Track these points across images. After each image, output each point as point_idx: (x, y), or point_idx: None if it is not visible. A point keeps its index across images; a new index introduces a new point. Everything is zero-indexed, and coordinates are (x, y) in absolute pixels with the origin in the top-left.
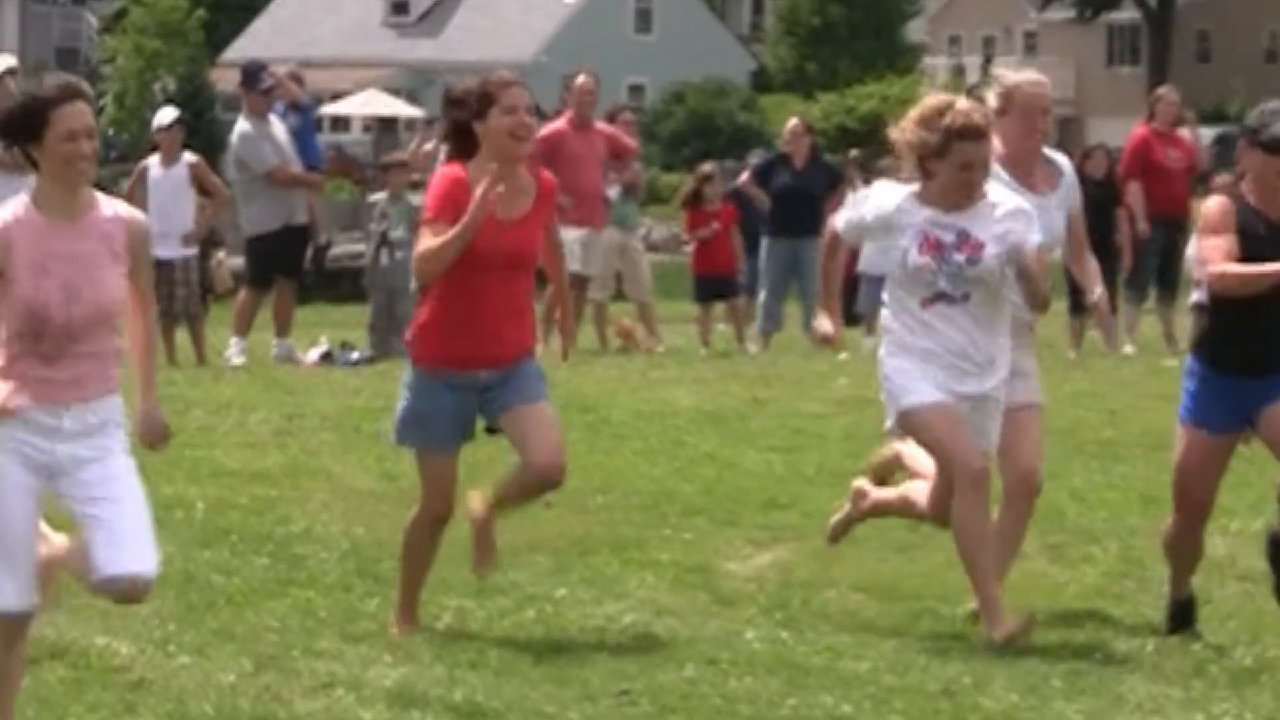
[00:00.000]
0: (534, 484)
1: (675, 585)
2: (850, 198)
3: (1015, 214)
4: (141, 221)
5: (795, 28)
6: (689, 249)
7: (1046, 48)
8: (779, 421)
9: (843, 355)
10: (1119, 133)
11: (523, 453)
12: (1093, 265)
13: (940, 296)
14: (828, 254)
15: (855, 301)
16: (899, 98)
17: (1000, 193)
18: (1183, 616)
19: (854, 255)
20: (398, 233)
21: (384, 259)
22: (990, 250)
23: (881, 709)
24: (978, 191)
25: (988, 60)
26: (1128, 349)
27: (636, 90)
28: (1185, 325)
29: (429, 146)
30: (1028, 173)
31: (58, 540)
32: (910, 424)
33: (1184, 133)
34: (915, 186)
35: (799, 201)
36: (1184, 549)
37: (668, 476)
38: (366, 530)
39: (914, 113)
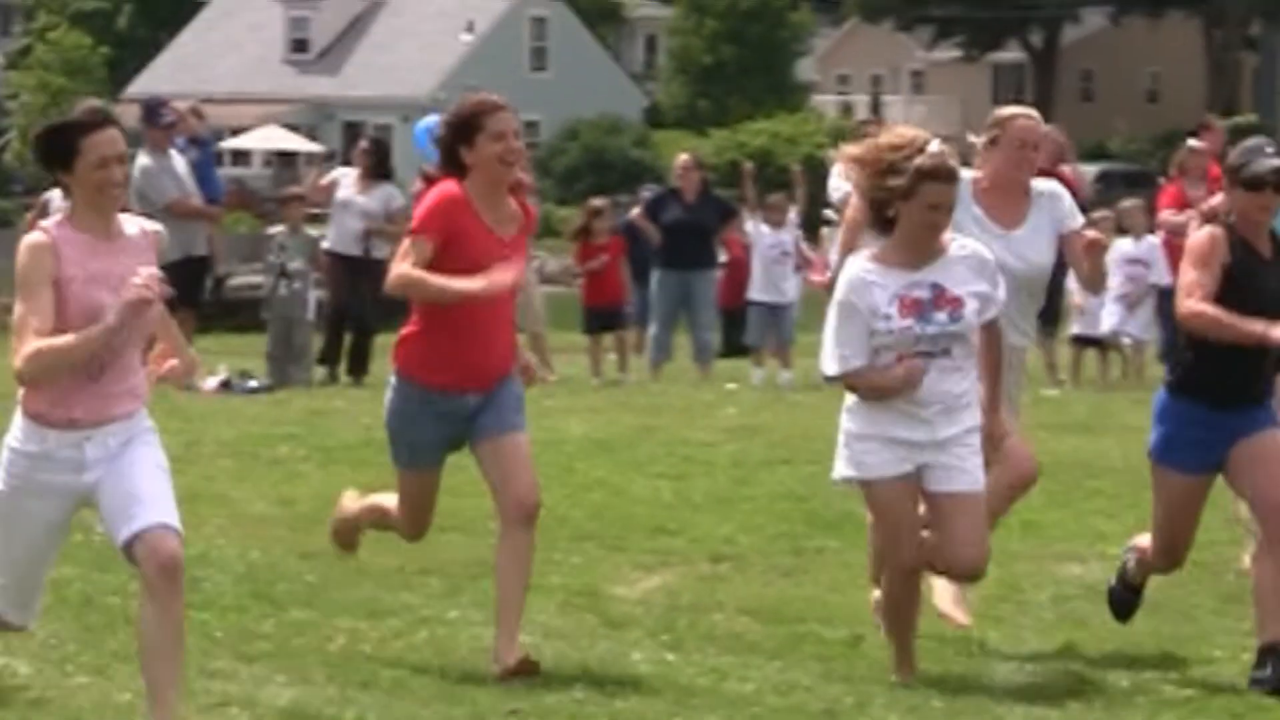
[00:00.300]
0: (511, 519)
1: (564, 608)
2: (748, 223)
3: (982, 268)
4: (162, 234)
5: (688, 66)
6: (580, 281)
7: (933, 86)
8: (668, 449)
9: (731, 385)
10: None
11: (496, 487)
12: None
13: (918, 355)
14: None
15: (744, 331)
16: (788, 134)
17: (961, 243)
18: (1132, 592)
19: (744, 283)
20: (295, 264)
21: (282, 290)
22: (970, 306)
23: None
24: (940, 235)
25: (875, 98)
26: None
27: (532, 126)
28: (1065, 355)
29: (325, 181)
30: (1005, 206)
31: None
32: (866, 493)
33: (1066, 169)
34: (872, 250)
35: (689, 235)
36: (1155, 569)
37: (558, 503)
38: (262, 554)
39: (873, 154)
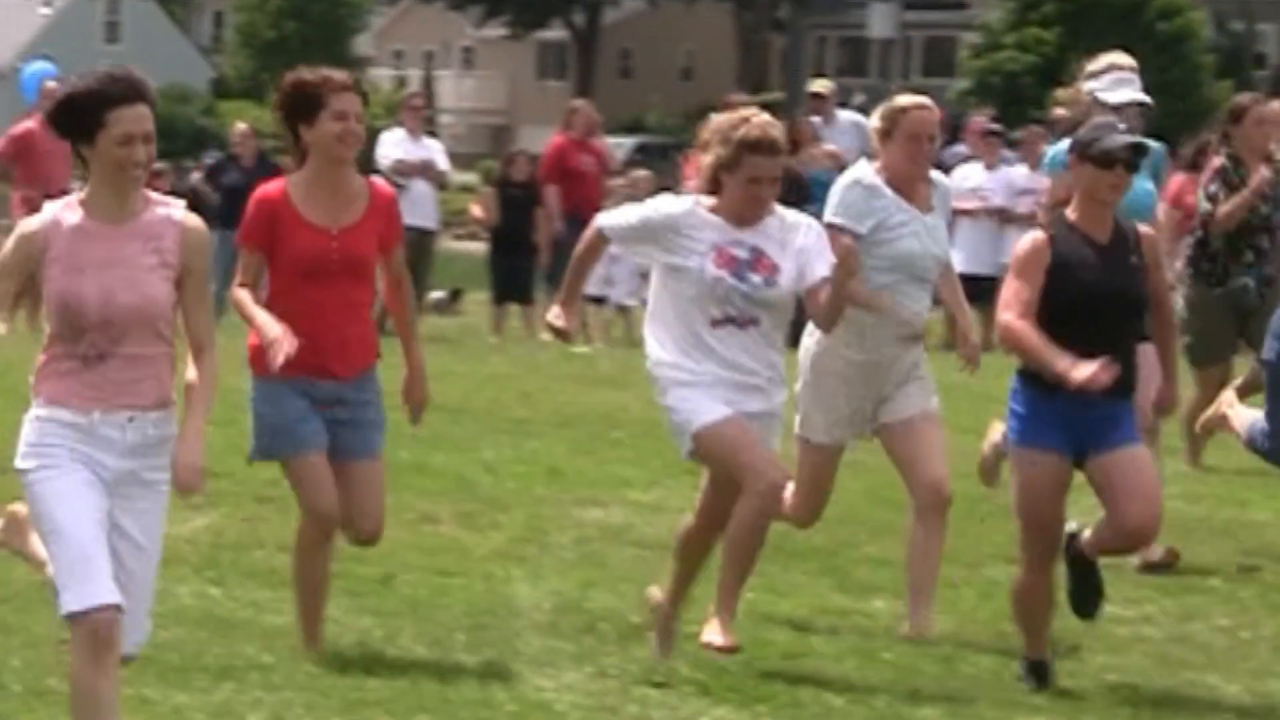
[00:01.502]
0: (355, 540)
1: None
2: None
3: (806, 231)
4: (196, 226)
5: (252, 40)
6: None
7: (483, 62)
8: (222, 397)
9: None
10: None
11: (348, 509)
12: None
13: (729, 320)
14: (587, 250)
15: None
16: None
17: (794, 216)
18: (1040, 675)
19: None
20: None
21: None
22: (786, 273)
23: (298, 659)
24: (766, 208)
25: (428, 73)
26: (545, 336)
27: None
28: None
29: None
30: (914, 195)
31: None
32: (703, 444)
33: (596, 142)
34: (701, 198)
35: (246, 198)
36: (1037, 600)
37: None
38: None
39: (711, 130)
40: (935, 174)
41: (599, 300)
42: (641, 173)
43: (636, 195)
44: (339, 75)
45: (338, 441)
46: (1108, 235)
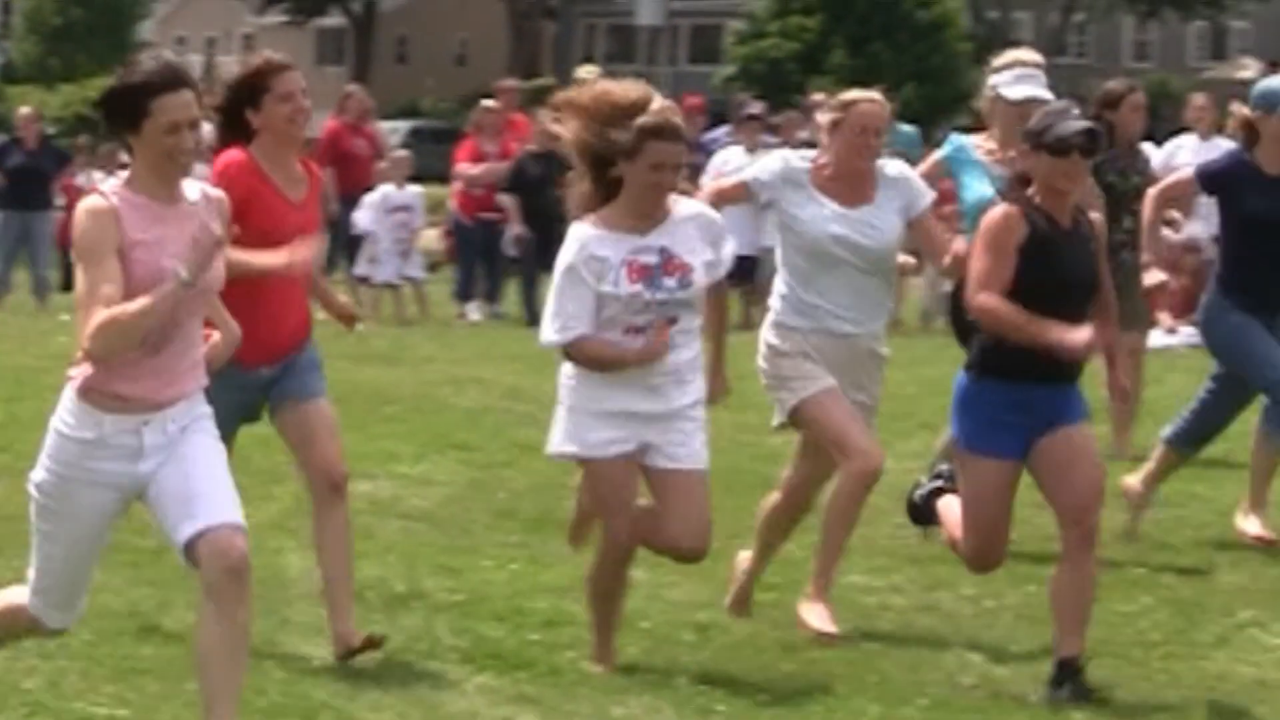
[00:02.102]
0: (319, 491)
1: None
2: (80, 173)
3: (708, 229)
4: (223, 196)
5: (39, 26)
6: None
7: (263, 48)
8: (1, 374)
9: (65, 317)
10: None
11: (302, 455)
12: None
13: (643, 329)
14: (583, 361)
15: None
16: None
17: (688, 204)
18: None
19: None
20: None
21: None
22: (699, 272)
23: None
24: (667, 196)
25: (209, 59)
26: (321, 315)
27: None
28: (369, 295)
29: None
30: (848, 187)
31: None
32: (584, 470)
33: (369, 125)
34: (597, 214)
35: (29, 179)
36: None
37: None
38: None
39: (596, 104)
40: (897, 165)
41: (363, 280)
42: (401, 153)
43: (397, 175)
44: (278, 57)
45: (273, 393)
46: (1068, 220)
